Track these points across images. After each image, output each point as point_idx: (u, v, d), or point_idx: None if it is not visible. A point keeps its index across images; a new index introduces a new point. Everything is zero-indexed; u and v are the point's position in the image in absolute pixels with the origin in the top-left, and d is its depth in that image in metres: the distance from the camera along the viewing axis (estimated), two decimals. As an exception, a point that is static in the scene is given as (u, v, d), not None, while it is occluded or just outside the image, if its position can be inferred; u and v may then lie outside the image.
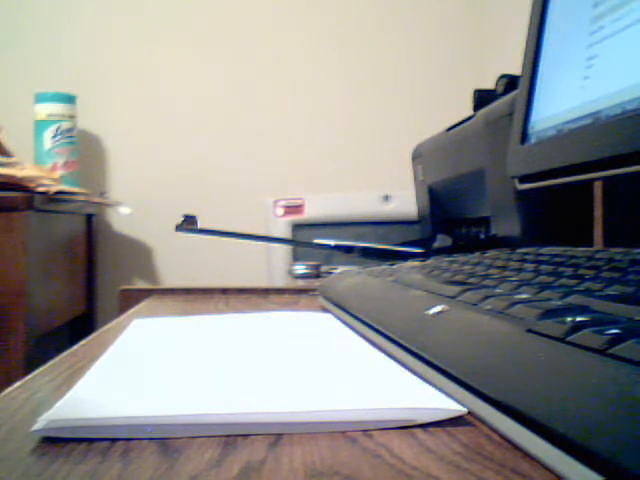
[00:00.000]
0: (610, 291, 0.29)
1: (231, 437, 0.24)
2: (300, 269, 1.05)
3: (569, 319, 0.24)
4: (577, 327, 0.23)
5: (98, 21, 1.85)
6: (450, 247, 0.89)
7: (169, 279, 1.88)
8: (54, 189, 1.33)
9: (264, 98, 1.88)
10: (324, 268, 1.06)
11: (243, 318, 0.55)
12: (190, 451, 0.23)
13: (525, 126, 0.56)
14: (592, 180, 0.64)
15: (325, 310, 0.59)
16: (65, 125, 1.70)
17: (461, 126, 0.90)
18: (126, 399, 0.28)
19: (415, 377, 0.31)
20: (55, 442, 0.24)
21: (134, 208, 1.76)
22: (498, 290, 0.34)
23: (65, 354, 0.42)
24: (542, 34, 0.56)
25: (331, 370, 0.34)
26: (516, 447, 0.22)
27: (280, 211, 1.56)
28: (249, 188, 1.85)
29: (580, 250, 0.48)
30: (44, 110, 1.69)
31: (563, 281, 0.34)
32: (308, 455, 0.22)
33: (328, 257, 1.19)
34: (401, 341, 0.35)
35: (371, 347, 0.39)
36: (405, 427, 0.25)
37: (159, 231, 1.80)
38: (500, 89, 0.84)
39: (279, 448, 0.23)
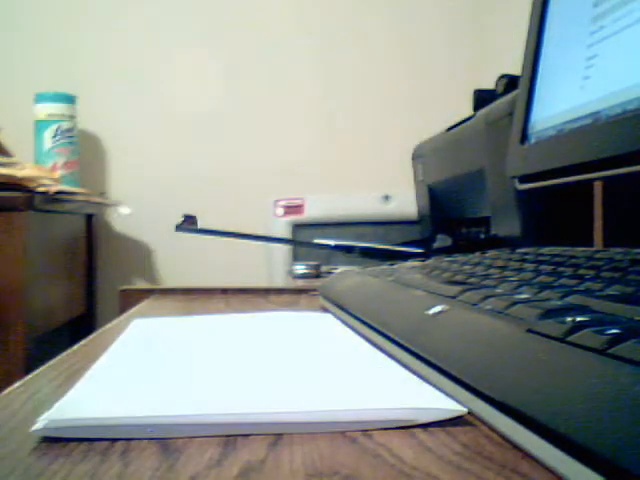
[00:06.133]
0: (610, 291, 0.29)
1: (231, 437, 0.24)
2: (300, 269, 1.05)
3: (569, 319, 0.24)
4: (577, 327, 0.23)
5: (98, 21, 1.85)
6: (450, 247, 0.89)
7: (169, 279, 1.88)
8: (54, 189, 1.33)
9: (264, 98, 1.88)
10: (324, 268, 1.06)
11: (243, 318, 0.55)
12: (190, 451, 0.23)
13: (525, 126, 0.56)
14: (592, 180, 0.64)
15: (325, 310, 0.59)
16: (65, 125, 1.70)
17: (461, 126, 0.90)
18: (126, 399, 0.28)
19: (415, 377, 0.31)
20: (55, 442, 0.24)
21: (134, 208, 1.76)
22: (498, 290, 0.34)
23: (65, 354, 0.42)
24: (542, 34, 0.56)
25: (331, 370, 0.34)
26: (516, 447, 0.22)
27: (280, 211, 1.56)
28: (249, 188, 1.85)
29: (580, 250, 0.48)
30: (44, 110, 1.69)
31: (563, 281, 0.34)
32: (308, 455, 0.22)
33: (328, 257, 1.19)
34: (401, 341, 0.35)
35: (371, 347, 0.39)
36: (405, 427, 0.25)
37: (159, 231, 1.80)
38: (500, 89, 0.84)
39: (279, 448, 0.23)
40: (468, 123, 0.87)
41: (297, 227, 1.55)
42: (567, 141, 0.48)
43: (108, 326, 0.56)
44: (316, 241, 0.92)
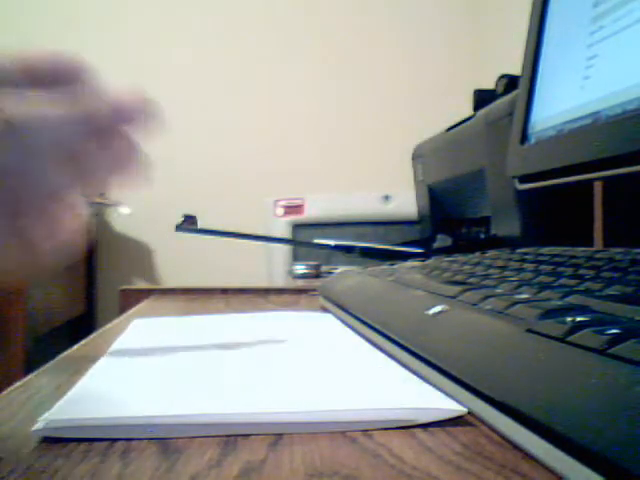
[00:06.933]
0: (610, 291, 0.29)
1: (231, 437, 0.24)
2: (300, 269, 1.05)
3: (569, 319, 0.24)
4: (577, 327, 0.23)
5: (98, 21, 1.85)
6: (450, 247, 0.89)
7: (169, 279, 1.88)
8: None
9: (264, 98, 1.88)
10: (324, 268, 1.06)
11: (243, 318, 0.55)
12: (190, 451, 0.23)
13: (525, 126, 0.56)
14: (592, 180, 0.64)
15: (325, 310, 0.59)
16: (65, 125, 1.70)
17: (461, 126, 0.90)
18: (126, 399, 0.28)
19: (415, 377, 0.31)
20: (55, 442, 0.24)
21: (134, 208, 1.76)
22: (498, 290, 0.34)
23: (65, 354, 0.42)
24: (542, 34, 0.56)
25: (331, 370, 0.33)
26: (516, 447, 0.22)
27: (280, 211, 1.56)
28: (249, 188, 1.85)
29: (580, 250, 0.48)
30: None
31: (563, 281, 0.34)
32: (308, 455, 0.22)
33: (328, 257, 1.19)
34: (401, 341, 0.35)
35: (371, 347, 0.39)
36: (405, 427, 0.25)
37: (159, 231, 1.80)
38: (500, 89, 0.84)
39: (279, 448, 0.23)
40: (468, 123, 0.87)
41: (297, 227, 1.55)
42: (567, 141, 0.48)
43: (108, 326, 0.56)
44: (316, 241, 0.92)
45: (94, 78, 0.29)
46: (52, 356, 0.41)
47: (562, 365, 0.22)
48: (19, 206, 0.27)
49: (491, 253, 0.58)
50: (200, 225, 0.85)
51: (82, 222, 0.31)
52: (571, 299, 0.28)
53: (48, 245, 0.29)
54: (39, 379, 0.35)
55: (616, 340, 0.21)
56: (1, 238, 0.27)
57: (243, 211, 1.79)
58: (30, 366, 1.15)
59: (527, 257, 0.48)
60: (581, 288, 0.31)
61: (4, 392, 0.32)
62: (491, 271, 0.43)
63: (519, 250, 0.56)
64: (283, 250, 1.50)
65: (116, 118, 0.29)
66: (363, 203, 1.56)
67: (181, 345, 0.43)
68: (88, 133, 0.27)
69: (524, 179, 0.55)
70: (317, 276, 1.03)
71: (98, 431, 0.24)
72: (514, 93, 0.67)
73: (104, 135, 0.28)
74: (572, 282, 0.33)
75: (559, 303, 0.28)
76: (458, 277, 0.43)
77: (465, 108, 0.94)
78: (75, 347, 0.45)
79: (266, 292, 0.81)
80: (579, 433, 0.18)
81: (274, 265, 1.54)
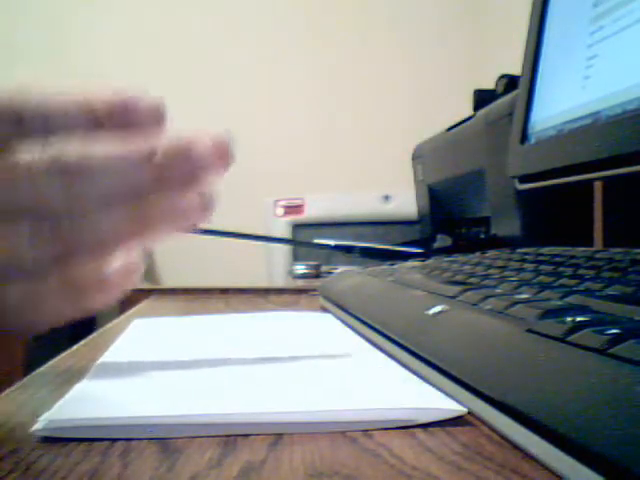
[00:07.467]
0: (610, 291, 0.29)
1: (231, 437, 0.24)
2: (300, 269, 1.05)
3: (569, 319, 0.24)
4: (577, 327, 0.23)
5: (98, 21, 1.85)
6: (450, 247, 0.89)
7: (169, 279, 1.88)
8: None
9: (264, 98, 1.88)
10: (324, 268, 1.06)
11: (243, 318, 0.55)
12: (190, 451, 0.23)
13: (525, 126, 0.56)
14: (592, 180, 0.64)
15: (325, 310, 0.59)
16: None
17: (461, 126, 0.90)
18: (126, 399, 0.28)
19: (415, 377, 0.31)
20: (55, 442, 0.24)
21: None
22: (498, 290, 0.34)
23: (65, 354, 0.42)
24: (542, 34, 0.56)
25: (331, 370, 0.34)
26: (516, 447, 0.22)
27: (280, 211, 1.56)
28: (249, 188, 1.85)
29: (580, 250, 0.48)
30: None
31: (563, 281, 0.34)
32: (308, 455, 0.22)
33: (328, 257, 1.19)
34: (401, 341, 0.35)
35: (371, 347, 0.39)
36: (405, 427, 0.25)
37: (159, 231, 1.80)
38: (500, 89, 0.84)
39: (279, 448, 0.23)
40: (468, 123, 0.87)
41: (297, 227, 1.55)
42: (567, 141, 0.48)
43: (108, 326, 0.56)
44: (316, 241, 0.92)
45: (166, 118, 0.27)
46: (52, 356, 0.41)
47: (562, 365, 0.22)
48: (66, 250, 0.25)
49: (491, 253, 0.58)
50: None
51: (134, 271, 0.29)
52: (571, 299, 0.28)
53: (95, 294, 0.28)
54: (39, 379, 0.35)
55: (616, 340, 0.21)
56: (45, 284, 0.25)
57: (243, 211, 1.79)
58: (30, 366, 1.15)
59: (527, 257, 0.48)
60: (581, 288, 0.31)
61: (4, 392, 0.32)
62: (491, 271, 0.43)
63: (519, 250, 0.56)
64: (283, 250, 1.50)
65: (187, 163, 0.26)
66: (363, 203, 1.56)
67: (181, 345, 0.43)
68: (152, 178, 0.25)
69: (524, 179, 0.55)
70: (317, 276, 1.03)
71: (98, 431, 0.24)
72: (514, 93, 0.67)
73: (171, 181, 0.26)
74: (572, 282, 0.33)
75: (559, 303, 0.28)
76: (458, 277, 0.43)
77: (465, 108, 0.94)
78: (75, 347, 0.45)
79: (266, 292, 0.81)
80: (579, 433, 0.18)
81: (274, 265, 1.54)
